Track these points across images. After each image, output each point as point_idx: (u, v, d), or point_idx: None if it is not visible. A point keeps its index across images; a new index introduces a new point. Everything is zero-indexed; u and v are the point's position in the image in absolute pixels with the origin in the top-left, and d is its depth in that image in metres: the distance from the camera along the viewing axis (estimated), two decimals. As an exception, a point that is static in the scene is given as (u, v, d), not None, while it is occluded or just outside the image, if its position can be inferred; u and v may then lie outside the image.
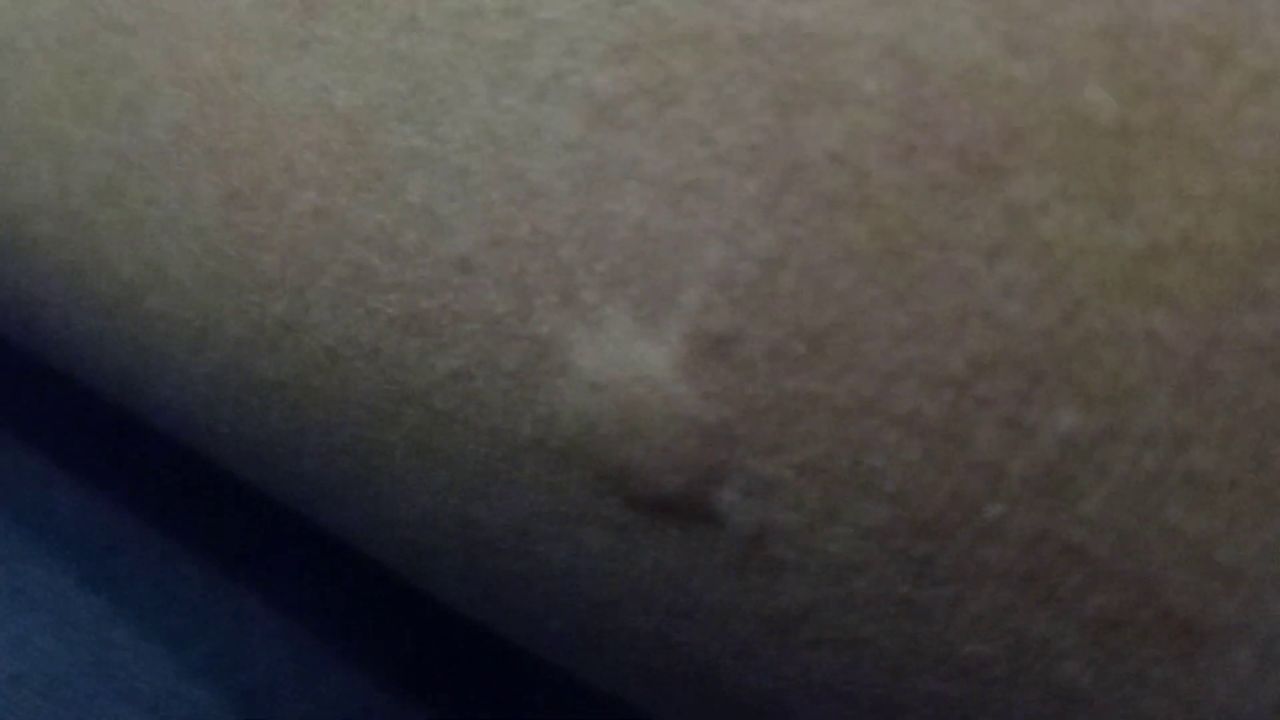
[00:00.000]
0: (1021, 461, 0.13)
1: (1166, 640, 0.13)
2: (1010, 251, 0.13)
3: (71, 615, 0.26)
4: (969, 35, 0.13)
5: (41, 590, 0.26)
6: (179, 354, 0.20)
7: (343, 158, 0.17)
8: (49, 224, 0.21)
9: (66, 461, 0.28)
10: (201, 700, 0.25)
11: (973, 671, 0.14)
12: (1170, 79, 0.12)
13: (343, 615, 0.26)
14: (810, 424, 0.14)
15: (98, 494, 0.27)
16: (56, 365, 0.24)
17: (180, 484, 0.26)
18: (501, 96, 0.15)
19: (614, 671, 0.19)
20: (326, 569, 0.26)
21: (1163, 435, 0.13)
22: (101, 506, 0.27)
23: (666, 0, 0.14)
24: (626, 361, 0.15)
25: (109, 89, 0.19)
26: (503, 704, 0.25)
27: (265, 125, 0.17)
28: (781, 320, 0.14)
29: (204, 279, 0.19)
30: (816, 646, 0.15)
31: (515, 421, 0.16)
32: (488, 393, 0.16)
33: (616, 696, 0.20)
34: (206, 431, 0.21)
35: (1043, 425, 0.13)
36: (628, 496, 0.16)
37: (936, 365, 0.13)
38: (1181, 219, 0.12)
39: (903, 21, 0.13)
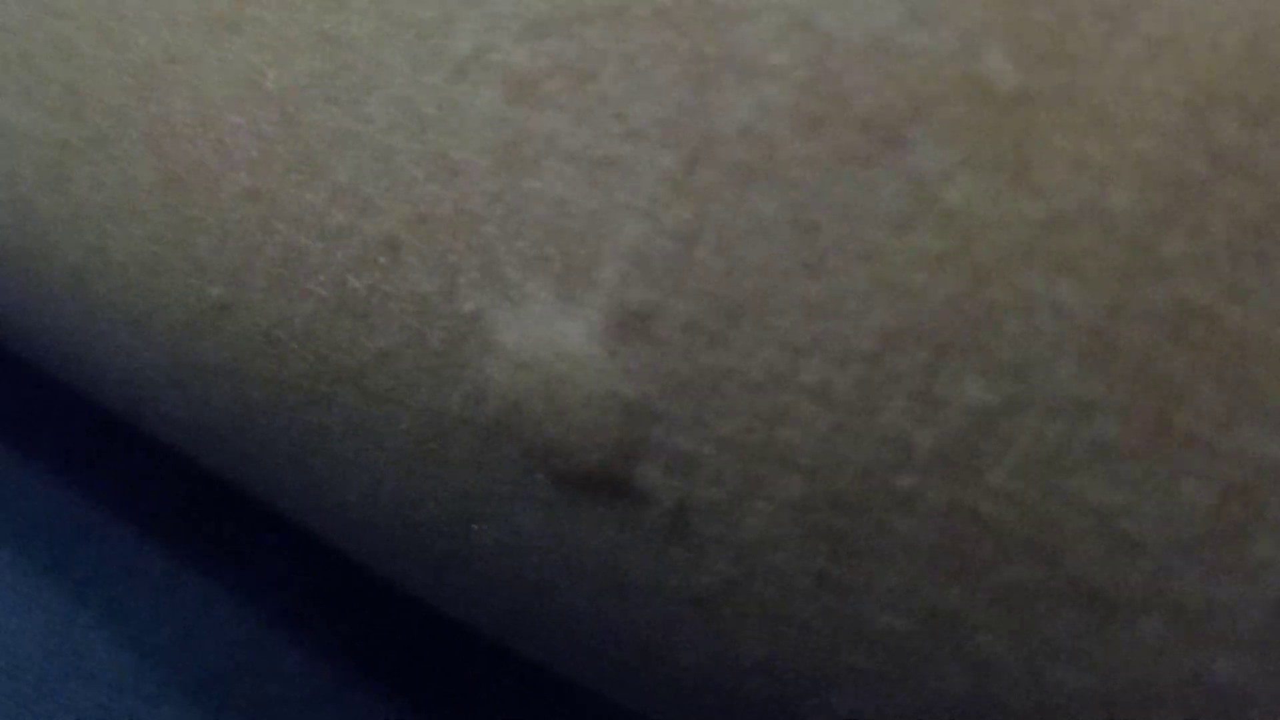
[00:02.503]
0: (930, 433, 0.13)
1: (1076, 610, 0.13)
2: (916, 222, 0.12)
3: (37, 598, 0.25)
4: (875, 5, 0.12)
5: (7, 573, 0.26)
6: (124, 339, 0.20)
7: (274, 139, 0.16)
8: (0, 212, 0.20)
9: (32, 448, 0.27)
10: (166, 681, 0.24)
11: (891, 645, 0.14)
12: (1069, 46, 0.11)
13: (303, 597, 0.25)
14: (727, 398, 0.14)
15: (62, 480, 0.27)
16: (14, 351, 0.23)
17: (144, 470, 0.26)
18: (423, 75, 0.15)
19: (555, 650, 0.18)
20: (287, 552, 0.26)
21: (1067, 405, 0.12)
22: (66, 492, 0.27)
23: None
24: (549, 338, 0.15)
25: (50, 75, 0.19)
26: (462, 683, 0.25)
27: (200, 108, 0.17)
28: (697, 295, 0.14)
29: (145, 263, 0.18)
30: (740, 622, 0.15)
31: (444, 400, 0.16)
32: (416, 372, 0.16)
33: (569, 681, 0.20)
34: (155, 415, 0.21)
35: (950, 396, 0.13)
36: (553, 473, 0.16)
37: (846, 338, 0.13)
38: (1082, 187, 0.12)
39: None
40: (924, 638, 0.14)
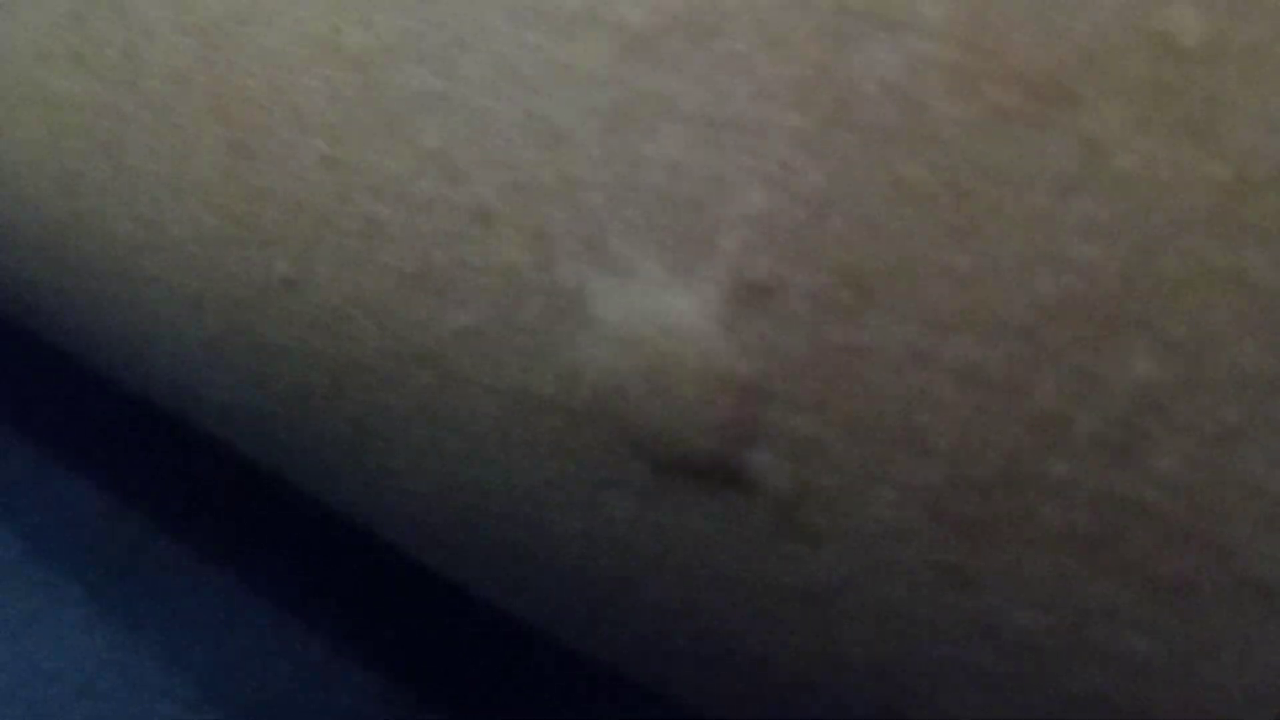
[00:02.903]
0: (1090, 415, 0.12)
1: (1243, 606, 0.12)
2: (1084, 187, 0.11)
3: (107, 615, 0.24)
4: None
5: (76, 588, 0.24)
6: (175, 317, 0.18)
7: (354, 102, 0.15)
8: (41, 182, 0.19)
9: (92, 462, 0.26)
10: (234, 701, 0.23)
11: (1025, 643, 0.13)
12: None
13: (369, 618, 0.24)
14: (857, 378, 0.13)
15: (127, 495, 0.26)
16: (47, 334, 0.22)
17: (200, 478, 0.25)
18: (525, 32, 0.14)
19: (628, 646, 0.17)
20: (356, 576, 0.25)
21: (1247, 384, 0.11)
22: (127, 506, 0.26)
23: None
24: (656, 313, 0.14)
25: (105, 39, 0.18)
26: (515, 684, 0.24)
27: (272, 71, 0.16)
28: (829, 266, 0.13)
29: (204, 236, 0.17)
30: (853, 619, 0.14)
31: (533, 380, 0.15)
32: (504, 350, 0.15)
33: (618, 675, 0.19)
34: (202, 400, 0.19)
35: (1114, 375, 0.12)
36: (653, 459, 0.14)
37: (999, 312, 0.12)
38: (1274, 150, 0.11)
39: None
40: (1066, 636, 0.13)
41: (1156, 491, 0.12)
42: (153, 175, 0.17)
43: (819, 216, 0.13)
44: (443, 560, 0.19)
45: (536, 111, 0.14)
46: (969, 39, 0.12)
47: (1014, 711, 0.14)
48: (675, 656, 0.16)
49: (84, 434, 0.26)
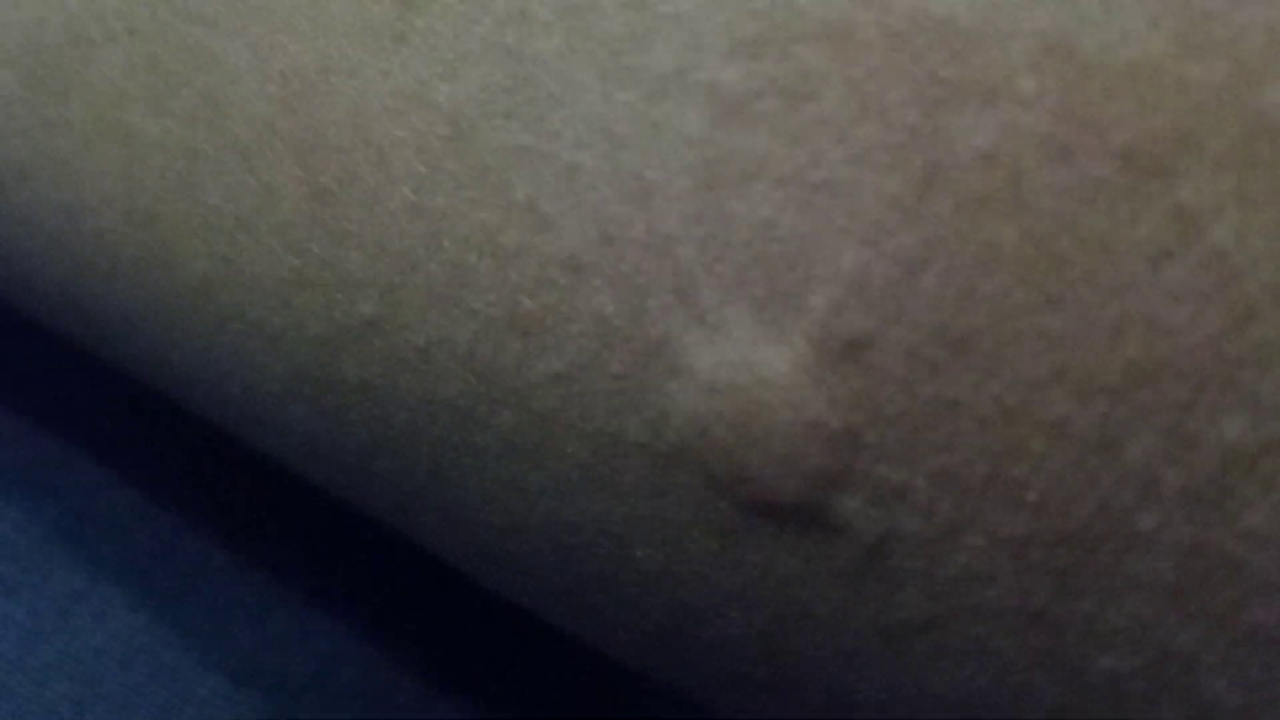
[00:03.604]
0: (1180, 472, 0.12)
1: None
2: (1178, 256, 0.12)
3: (149, 590, 0.25)
4: (1140, 33, 0.12)
5: (119, 566, 0.25)
6: (252, 353, 0.19)
7: (443, 154, 0.15)
8: (114, 218, 0.19)
9: (135, 448, 0.26)
10: (282, 668, 0.24)
11: (1108, 686, 0.13)
12: None
13: (400, 609, 0.25)
14: (947, 431, 0.13)
15: (149, 489, 0.26)
16: (118, 363, 0.22)
17: (242, 469, 0.25)
18: (617, 92, 0.14)
19: (701, 676, 0.17)
20: (384, 564, 0.25)
21: None
22: (170, 490, 0.26)
23: None
24: (746, 364, 0.14)
25: (185, 82, 0.18)
26: (551, 686, 0.24)
27: (357, 120, 0.16)
28: (921, 324, 0.13)
29: (284, 276, 0.17)
30: (936, 658, 0.14)
31: (621, 424, 0.15)
32: (592, 395, 0.15)
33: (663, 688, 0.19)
34: (277, 433, 0.20)
35: (1205, 435, 0.12)
36: (740, 502, 0.15)
37: (1091, 372, 0.12)
38: None
39: (1065, 18, 0.12)
40: (1148, 679, 0.13)
41: (1243, 545, 0.12)
42: (231, 216, 0.18)
43: (912, 276, 0.13)
44: (516, 590, 0.19)
45: (627, 167, 0.14)
46: (1064, 110, 0.12)
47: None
48: (754, 689, 0.17)
49: (126, 421, 0.26)
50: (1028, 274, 0.12)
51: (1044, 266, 0.12)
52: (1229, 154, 0.11)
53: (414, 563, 0.23)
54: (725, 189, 0.14)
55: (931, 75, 0.13)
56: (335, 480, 0.20)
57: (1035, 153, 0.12)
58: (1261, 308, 0.11)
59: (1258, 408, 0.12)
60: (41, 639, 0.23)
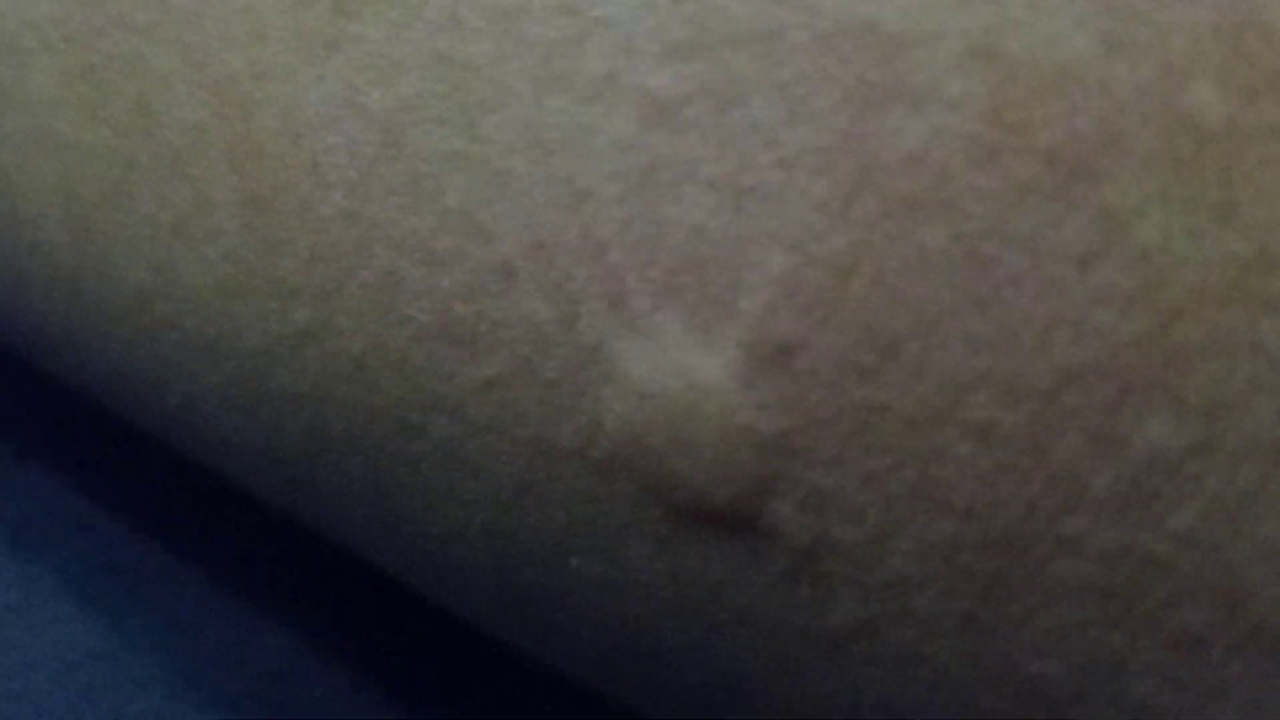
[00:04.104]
0: (1107, 474, 0.12)
1: (1254, 658, 0.12)
2: (1104, 258, 0.11)
3: (86, 604, 0.24)
4: (1065, 35, 0.11)
5: (54, 578, 0.24)
6: (188, 363, 0.18)
7: (375, 160, 0.15)
8: (53, 228, 0.19)
9: (73, 457, 0.26)
10: (215, 687, 0.23)
11: (1038, 690, 0.13)
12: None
13: (349, 607, 0.24)
14: (876, 435, 0.13)
15: (104, 487, 0.25)
16: (58, 374, 0.22)
17: (184, 476, 0.25)
18: (548, 97, 0.14)
19: (646, 687, 0.17)
20: (334, 558, 0.24)
21: (1261, 449, 0.11)
22: (108, 499, 0.25)
23: None
24: (678, 370, 0.14)
25: (118, 90, 0.17)
26: (500, 698, 0.24)
27: (290, 127, 0.16)
28: (850, 327, 0.13)
29: (219, 285, 0.17)
30: (869, 663, 0.14)
31: (554, 431, 0.15)
32: (526, 402, 0.15)
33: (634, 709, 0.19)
34: (215, 443, 0.19)
35: (1131, 437, 0.12)
36: (673, 508, 0.15)
37: (1018, 375, 0.12)
38: None
39: (991, 20, 0.12)
40: (1077, 683, 0.13)
41: (1170, 547, 0.12)
42: (166, 224, 0.17)
43: (841, 280, 0.13)
44: (455, 599, 0.19)
45: (559, 172, 0.14)
46: (990, 112, 0.12)
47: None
48: (690, 696, 0.16)
49: (66, 429, 0.26)
50: (955, 277, 0.12)
51: (972, 269, 0.12)
52: (1154, 155, 0.11)
53: (356, 577, 0.22)
54: (656, 194, 0.13)
55: (859, 78, 0.12)
56: (275, 492, 0.20)
57: (962, 155, 0.12)
58: (1187, 309, 0.11)
59: (1183, 409, 0.12)
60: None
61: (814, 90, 0.13)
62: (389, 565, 0.19)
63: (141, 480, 0.25)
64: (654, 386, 0.14)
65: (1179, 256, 0.11)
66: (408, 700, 0.24)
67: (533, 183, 0.14)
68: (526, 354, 0.15)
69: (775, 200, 0.13)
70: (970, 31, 0.12)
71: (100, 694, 0.23)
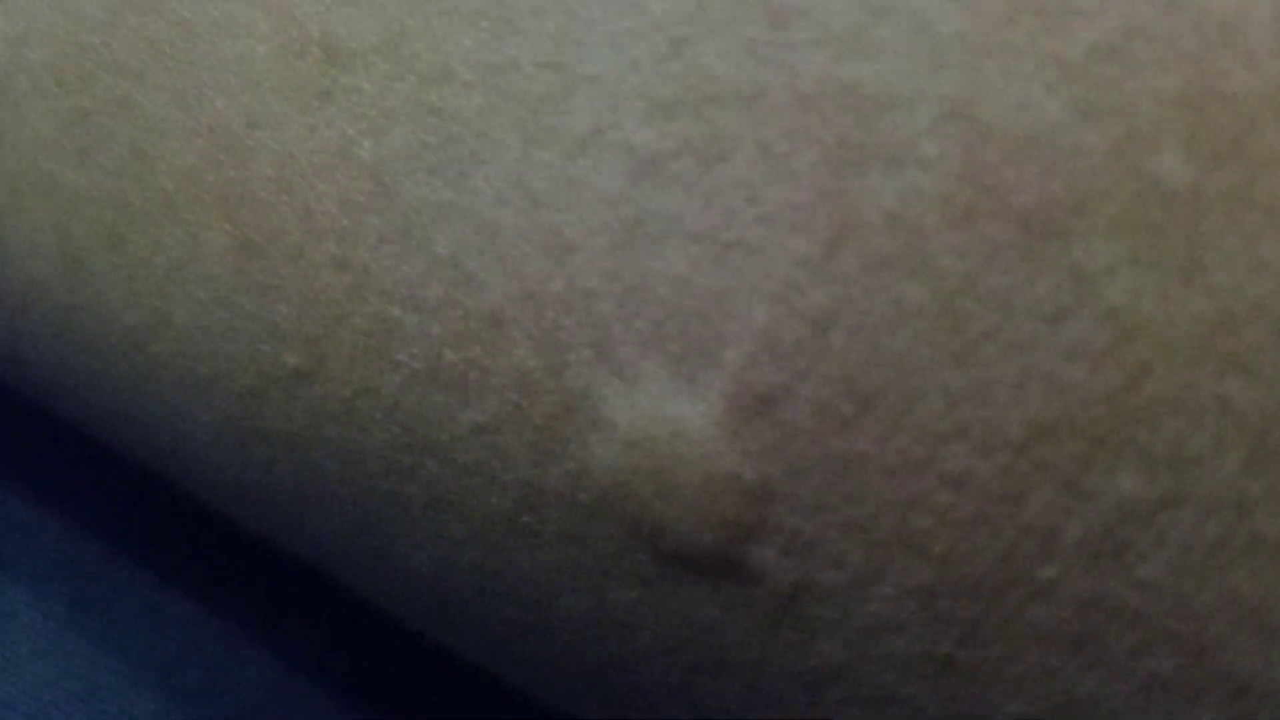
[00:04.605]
0: (1078, 525, 0.12)
1: (1219, 702, 0.12)
2: (1074, 315, 0.12)
3: (61, 641, 0.24)
4: (1037, 100, 0.12)
5: (31, 615, 0.24)
6: (182, 402, 0.18)
7: (366, 209, 0.15)
8: (47, 268, 0.19)
9: (54, 491, 0.26)
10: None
11: None
12: (1248, 148, 0.11)
13: (328, 639, 0.24)
14: (856, 483, 0.13)
15: (85, 523, 0.26)
16: (50, 408, 0.22)
17: (168, 513, 0.25)
18: (536, 150, 0.14)
19: None
20: (311, 592, 0.25)
21: (1227, 502, 0.12)
22: (89, 534, 0.26)
23: (716, 58, 0.13)
24: (663, 418, 0.14)
25: (112, 134, 0.18)
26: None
27: (283, 174, 0.16)
28: (830, 379, 0.13)
29: (212, 327, 0.17)
30: (849, 704, 0.14)
31: (542, 476, 0.15)
32: (514, 446, 0.15)
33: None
34: (209, 480, 0.20)
35: (1102, 490, 0.12)
36: (659, 552, 0.15)
37: (993, 427, 0.12)
38: (1256, 287, 0.11)
39: (966, 85, 0.12)
40: None
41: (1139, 596, 0.12)
42: (160, 267, 0.18)
43: (821, 333, 0.13)
44: (445, 634, 0.19)
45: (546, 224, 0.14)
46: (964, 174, 0.12)
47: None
48: None
49: (45, 464, 0.26)
50: (932, 332, 0.13)
51: (947, 325, 0.12)
52: (1121, 217, 0.12)
53: (337, 610, 0.22)
54: (642, 246, 0.14)
55: (839, 138, 0.13)
56: (267, 526, 0.20)
57: (938, 214, 0.12)
58: (1155, 366, 0.12)
59: (1152, 463, 0.12)
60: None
61: (795, 149, 0.13)
62: (380, 600, 0.19)
63: (121, 517, 0.25)
64: (639, 434, 0.14)
65: (1147, 316, 0.12)
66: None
67: (520, 233, 0.14)
68: (515, 400, 0.15)
69: (757, 255, 0.13)
70: (946, 96, 0.12)
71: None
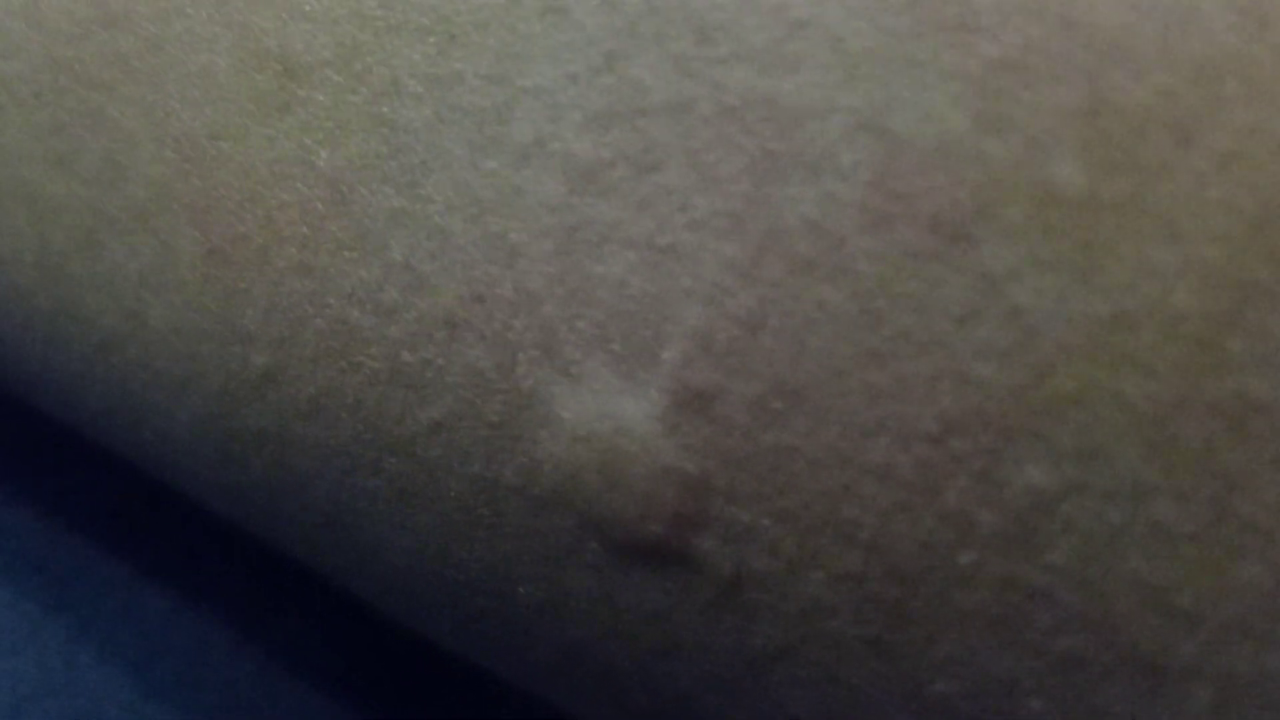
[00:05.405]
0: (991, 513, 0.13)
1: (1129, 679, 0.13)
2: (982, 316, 0.13)
3: (36, 638, 0.25)
4: (943, 111, 0.13)
5: (5, 613, 0.25)
6: (160, 401, 0.19)
7: (325, 216, 0.16)
8: (28, 273, 0.20)
9: (29, 487, 0.27)
10: (167, 718, 0.24)
11: (940, 709, 0.14)
12: (1139, 157, 0.12)
13: (301, 635, 0.25)
14: (787, 475, 0.14)
15: (60, 519, 0.26)
16: (34, 404, 0.23)
17: (142, 509, 0.26)
18: (482, 160, 0.15)
19: (592, 704, 0.18)
20: (286, 591, 0.25)
21: (1127, 490, 0.13)
22: (63, 531, 0.26)
23: (647, 72, 0.14)
24: (607, 414, 0.15)
25: (87, 145, 0.19)
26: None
27: (246, 184, 0.17)
28: (760, 377, 0.14)
29: (185, 331, 0.18)
30: (792, 685, 0.15)
31: (497, 470, 0.16)
32: (470, 442, 0.16)
33: None
34: (188, 475, 0.20)
35: (1012, 480, 0.13)
36: (607, 542, 0.16)
37: (911, 422, 0.13)
38: (1148, 289, 0.12)
39: (878, 97, 0.13)
40: (975, 703, 0.14)
41: (1051, 579, 0.13)
42: (134, 273, 0.18)
43: (751, 334, 0.14)
44: (414, 619, 0.20)
45: (493, 230, 0.15)
46: (879, 182, 0.13)
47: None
48: (633, 713, 0.18)
49: (16, 463, 0.27)
50: (852, 332, 0.13)
51: (866, 325, 0.13)
52: (1023, 223, 0.12)
53: (314, 602, 0.23)
54: (583, 251, 0.15)
55: (762, 148, 0.14)
56: (247, 519, 0.21)
57: (854, 220, 0.13)
58: (1057, 363, 0.13)
59: (1057, 454, 0.13)
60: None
61: (721, 158, 0.14)
62: (358, 590, 0.20)
63: (95, 515, 0.26)
64: (586, 430, 0.15)
65: (1048, 316, 0.12)
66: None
67: (469, 239, 0.15)
68: (470, 398, 0.16)
69: (689, 259, 0.14)
70: (858, 107, 0.13)
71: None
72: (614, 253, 0.14)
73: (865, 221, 0.13)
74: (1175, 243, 0.12)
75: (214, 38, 0.17)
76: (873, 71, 0.13)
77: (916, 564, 0.14)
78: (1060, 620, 0.13)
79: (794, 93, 0.13)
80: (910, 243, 0.13)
